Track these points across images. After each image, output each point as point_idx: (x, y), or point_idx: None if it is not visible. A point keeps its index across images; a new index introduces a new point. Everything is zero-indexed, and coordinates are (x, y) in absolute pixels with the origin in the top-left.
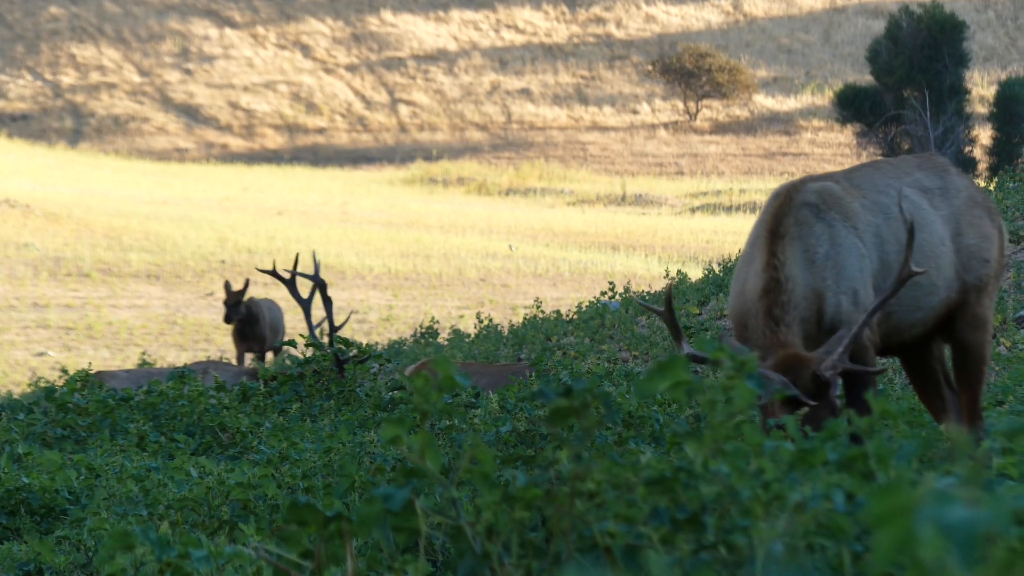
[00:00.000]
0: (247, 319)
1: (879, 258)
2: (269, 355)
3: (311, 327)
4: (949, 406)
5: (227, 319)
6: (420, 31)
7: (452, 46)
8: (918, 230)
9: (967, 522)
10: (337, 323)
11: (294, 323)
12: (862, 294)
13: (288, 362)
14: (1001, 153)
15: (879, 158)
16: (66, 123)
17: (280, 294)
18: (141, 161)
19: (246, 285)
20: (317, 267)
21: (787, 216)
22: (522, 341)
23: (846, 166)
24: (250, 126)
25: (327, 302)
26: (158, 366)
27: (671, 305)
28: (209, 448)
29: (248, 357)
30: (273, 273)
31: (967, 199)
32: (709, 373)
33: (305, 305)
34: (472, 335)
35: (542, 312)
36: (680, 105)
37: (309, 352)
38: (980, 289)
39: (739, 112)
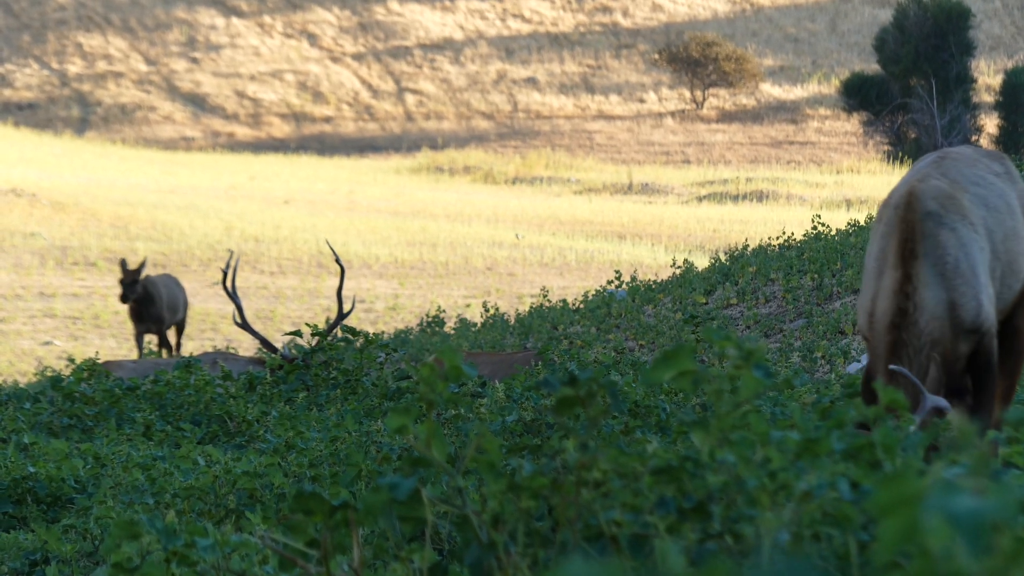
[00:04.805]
0: (143, 299)
1: (991, 251)
2: (171, 334)
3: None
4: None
5: (123, 299)
6: (426, 20)
7: (458, 35)
8: (1008, 216)
9: (974, 511)
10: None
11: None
12: (991, 290)
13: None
14: (1007, 142)
15: (947, 149)
16: (73, 112)
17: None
18: (147, 150)
19: (142, 264)
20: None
21: (915, 230)
22: (528, 330)
23: (853, 155)
24: (257, 115)
25: (339, 290)
26: (164, 355)
27: None
28: (215, 437)
29: (146, 337)
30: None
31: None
32: (715, 362)
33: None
34: (478, 324)
35: (548, 301)
36: (687, 94)
37: (315, 341)
38: None
39: (746, 101)
